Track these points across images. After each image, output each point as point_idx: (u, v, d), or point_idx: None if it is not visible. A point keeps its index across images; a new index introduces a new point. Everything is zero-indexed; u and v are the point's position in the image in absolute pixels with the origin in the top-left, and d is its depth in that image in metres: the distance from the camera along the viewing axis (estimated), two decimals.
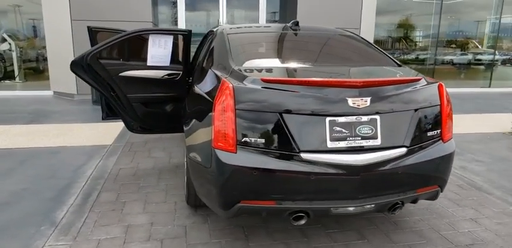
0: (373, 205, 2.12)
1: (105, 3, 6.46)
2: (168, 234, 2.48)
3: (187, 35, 3.23)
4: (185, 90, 3.44)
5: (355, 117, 2.03)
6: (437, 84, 2.31)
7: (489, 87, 9.60)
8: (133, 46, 3.23)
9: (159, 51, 3.21)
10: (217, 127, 2.03)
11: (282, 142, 1.99)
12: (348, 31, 3.18)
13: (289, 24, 3.04)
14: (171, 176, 3.46)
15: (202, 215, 2.75)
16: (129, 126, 3.48)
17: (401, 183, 2.15)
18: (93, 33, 3.78)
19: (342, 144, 2.03)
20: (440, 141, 2.29)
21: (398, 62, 2.68)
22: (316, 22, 6.58)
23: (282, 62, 2.55)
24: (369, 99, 2.02)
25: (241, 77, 2.12)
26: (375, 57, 2.72)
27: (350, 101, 2.00)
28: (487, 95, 8.88)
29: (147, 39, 3.22)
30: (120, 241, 2.38)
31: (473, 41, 10.55)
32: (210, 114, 2.10)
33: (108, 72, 3.11)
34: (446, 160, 2.28)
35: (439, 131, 2.27)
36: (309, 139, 2.00)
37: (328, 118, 2.01)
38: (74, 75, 6.57)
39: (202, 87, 2.45)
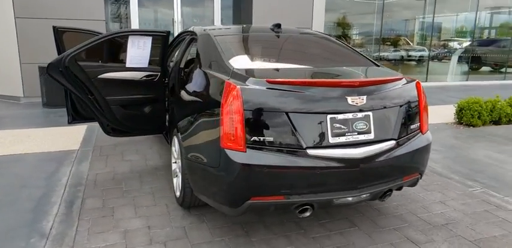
0: (368, 194, 2.30)
1: (53, 0, 6.09)
2: (169, 236, 2.49)
3: (166, 36, 3.22)
4: (162, 91, 3.42)
5: (351, 113, 2.20)
6: (415, 82, 2.56)
7: (426, 81, 10.43)
8: (111, 47, 3.14)
9: (138, 52, 3.17)
10: (226, 127, 2.08)
11: (289, 139, 2.10)
12: (322, 33, 3.36)
13: (270, 27, 3.14)
14: (153, 179, 3.42)
15: (197, 215, 2.78)
16: (106, 129, 3.39)
17: (391, 173, 2.36)
18: (59, 34, 3.61)
19: (342, 139, 2.18)
20: (420, 133, 2.54)
21: (376, 63, 2.90)
22: (272, 21, 6.74)
23: (276, 63, 2.65)
24: (365, 97, 2.20)
25: (243, 78, 2.18)
26: (356, 58, 2.91)
27: (349, 99, 2.16)
28: (425, 89, 9.64)
29: (124, 41, 3.16)
30: (122, 247, 2.35)
31: (405, 39, 11.38)
32: (216, 115, 2.15)
33: (87, 74, 3.01)
34: (425, 150, 2.53)
35: (418, 124, 2.52)
36: (313, 135, 2.13)
37: (329, 116, 2.15)
38: (19, 76, 6.20)
39: (198, 89, 2.47)
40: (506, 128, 5.51)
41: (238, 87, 2.09)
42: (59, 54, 3.73)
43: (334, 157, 2.14)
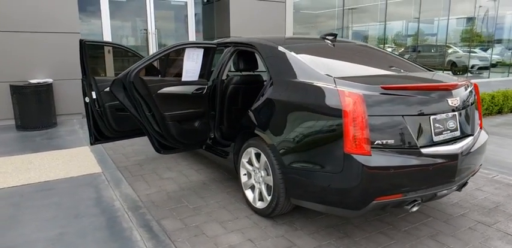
0: (456, 186, 2.58)
1: (21, 11, 5.55)
2: (277, 246, 2.51)
3: (214, 48, 3.22)
4: (208, 105, 3.40)
5: (445, 114, 2.46)
6: (474, 84, 2.92)
7: None
8: (168, 61, 3.06)
9: (192, 65, 3.13)
10: (350, 133, 2.20)
11: (406, 140, 2.29)
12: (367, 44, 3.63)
13: (329, 37, 3.29)
14: (210, 194, 3.36)
15: (286, 223, 2.82)
16: (157, 147, 3.25)
17: (472, 165, 2.67)
18: (85, 47, 3.40)
19: (441, 137, 2.43)
20: (480, 128, 2.89)
21: (429, 68, 3.22)
22: (248, 33, 6.90)
23: (359, 70, 2.81)
24: (458, 98, 2.48)
25: (354, 86, 2.32)
26: (412, 64, 3.20)
27: (449, 101, 2.42)
28: None
29: (177, 54, 3.11)
30: None
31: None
32: (335, 122, 2.26)
33: (148, 89, 2.90)
34: (486, 143, 2.89)
35: (479, 121, 2.87)
36: (423, 135, 2.35)
37: (432, 117, 2.39)
38: None
39: (300, 97, 2.51)
40: None
41: (361, 94, 2.23)
42: (83, 70, 3.52)
43: (440, 154, 2.37)
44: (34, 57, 5.77)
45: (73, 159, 4.26)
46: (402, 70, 2.96)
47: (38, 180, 3.64)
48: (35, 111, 5.49)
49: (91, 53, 3.51)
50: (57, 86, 5.90)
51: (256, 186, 2.95)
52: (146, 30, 6.96)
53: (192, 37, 7.47)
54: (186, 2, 7.35)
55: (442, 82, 2.65)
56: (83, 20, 6.47)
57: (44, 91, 5.54)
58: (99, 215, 2.93)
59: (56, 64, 5.89)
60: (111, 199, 3.24)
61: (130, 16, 6.94)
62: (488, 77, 14.56)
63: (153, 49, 6.98)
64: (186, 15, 7.32)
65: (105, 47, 4.38)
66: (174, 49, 2.93)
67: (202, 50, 3.15)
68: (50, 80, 5.74)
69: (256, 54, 3.27)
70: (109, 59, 4.89)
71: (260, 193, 2.91)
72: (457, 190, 2.71)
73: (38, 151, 4.57)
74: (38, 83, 5.52)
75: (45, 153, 4.49)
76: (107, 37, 6.53)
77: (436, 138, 2.41)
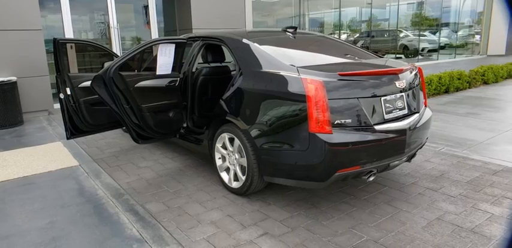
0: (406, 157, 2.97)
1: None
2: (254, 219, 2.81)
3: (184, 43, 3.42)
4: (181, 96, 3.62)
5: (394, 95, 2.82)
6: (417, 68, 3.31)
7: None
8: (142, 57, 3.23)
9: (165, 59, 3.32)
10: (314, 115, 2.51)
11: (361, 119, 2.63)
12: (321, 34, 3.93)
13: (290, 30, 3.57)
14: (187, 178, 3.60)
15: (260, 200, 3.12)
16: (135, 138, 3.44)
17: (419, 138, 3.07)
18: (59, 45, 3.50)
19: (391, 115, 2.80)
20: (425, 106, 3.30)
21: (379, 55, 3.59)
22: (210, 23, 7.06)
23: (318, 60, 3.11)
24: (404, 80, 2.85)
25: (315, 74, 2.62)
26: (365, 52, 3.55)
27: (397, 84, 2.78)
28: None
29: (151, 50, 3.29)
30: (224, 234, 2.61)
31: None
32: (300, 106, 2.56)
33: (127, 84, 3.07)
34: (431, 119, 3.30)
35: (423, 100, 3.28)
36: (375, 114, 2.70)
37: (382, 98, 2.74)
38: None
39: (268, 86, 2.79)
40: None
41: (321, 80, 2.54)
42: (56, 67, 3.62)
43: (391, 129, 2.74)
44: None
45: (47, 154, 4.35)
46: (356, 58, 3.30)
47: (16, 175, 3.73)
48: (0, 109, 5.45)
49: (51, 49, 3.60)
50: (21, 84, 5.85)
51: (231, 167, 3.22)
52: (108, 24, 6.95)
53: (154, 30, 7.53)
54: None
55: (391, 67, 3.01)
56: (44, 15, 6.38)
57: (9, 90, 5.50)
58: (85, 204, 3.11)
59: (19, 62, 5.82)
60: (94, 188, 3.41)
61: (91, 10, 6.90)
62: (437, 59, 15.49)
63: (116, 43, 7.00)
64: (147, 8, 7.36)
65: (67, 43, 4.42)
66: (149, 45, 3.11)
67: (174, 45, 3.34)
68: (13, 78, 5.68)
69: (223, 47, 3.50)
70: (72, 54, 4.94)
71: (235, 174, 3.19)
72: (407, 161, 3.10)
73: (9, 148, 4.60)
74: (2, 81, 5.46)
75: (18, 150, 4.54)
76: (68, 33, 6.48)
77: (387, 116, 2.77)
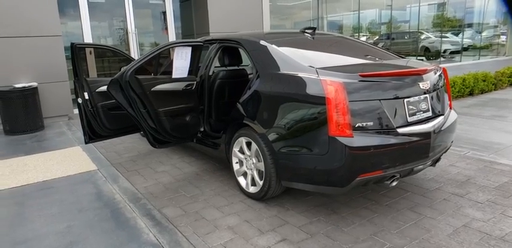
0: (431, 161, 2.85)
1: (2, 16, 5.55)
2: (272, 225, 2.74)
3: (201, 45, 3.40)
4: (198, 100, 3.58)
5: (417, 96, 2.71)
6: (442, 68, 3.18)
7: None
8: (159, 61, 3.22)
9: (181, 63, 3.30)
10: (334, 118, 2.43)
11: (384, 122, 2.53)
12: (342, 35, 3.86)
13: (309, 31, 3.50)
14: (205, 183, 3.56)
15: (277, 205, 3.05)
16: (152, 142, 3.42)
17: (445, 142, 2.94)
18: (77, 50, 3.52)
19: (415, 118, 2.69)
20: (449, 108, 3.17)
21: (402, 56, 3.48)
22: (228, 27, 7.05)
23: (340, 60, 3.02)
24: (428, 82, 2.74)
25: (335, 75, 2.54)
26: (386, 52, 3.45)
27: (421, 85, 2.68)
28: None
29: (167, 53, 3.28)
30: (242, 240, 2.54)
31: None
32: (319, 109, 2.48)
33: (143, 88, 3.06)
34: (456, 122, 3.17)
35: (448, 102, 3.15)
36: (398, 117, 2.60)
37: (405, 100, 2.64)
38: None
39: (285, 88, 2.72)
40: None
41: (342, 82, 2.46)
42: (74, 72, 3.64)
43: (415, 132, 2.63)
44: (17, 61, 5.81)
45: (67, 158, 4.38)
46: (377, 59, 3.21)
47: (36, 180, 3.76)
48: (22, 115, 5.55)
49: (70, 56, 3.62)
50: (42, 89, 5.96)
51: (249, 172, 3.16)
52: (126, 29, 7.03)
53: (171, 35, 7.59)
54: (164, 0, 7.44)
55: (414, 68, 2.91)
56: (63, 22, 6.51)
57: (30, 95, 5.60)
58: (103, 208, 3.10)
59: (40, 68, 5.94)
60: (111, 193, 3.40)
61: (110, 16, 7.01)
62: (460, 61, 15.11)
63: (134, 48, 7.07)
64: (165, 13, 7.42)
65: (86, 48, 4.47)
66: (164, 48, 3.10)
67: (191, 48, 3.32)
68: (35, 84, 5.79)
69: (240, 49, 3.46)
70: (91, 59, 5.00)
71: (252, 179, 3.13)
72: (431, 165, 2.98)
73: (30, 153, 4.66)
74: (24, 87, 5.57)
75: (39, 154, 4.59)
76: (87, 39, 6.58)
77: (410, 119, 2.67)
